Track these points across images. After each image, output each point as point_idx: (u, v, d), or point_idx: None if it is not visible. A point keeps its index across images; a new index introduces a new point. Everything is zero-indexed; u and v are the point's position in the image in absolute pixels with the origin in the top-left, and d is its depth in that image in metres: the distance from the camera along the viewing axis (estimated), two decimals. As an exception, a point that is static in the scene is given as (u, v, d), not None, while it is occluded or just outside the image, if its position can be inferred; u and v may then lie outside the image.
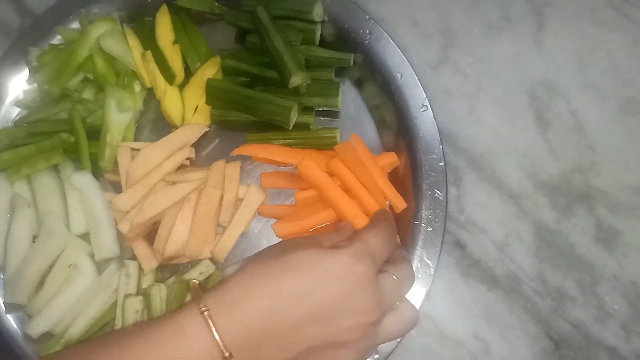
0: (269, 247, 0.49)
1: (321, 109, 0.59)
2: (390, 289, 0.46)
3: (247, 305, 0.42)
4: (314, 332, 0.42)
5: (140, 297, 0.55)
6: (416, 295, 0.53)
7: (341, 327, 0.43)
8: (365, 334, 0.44)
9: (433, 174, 0.56)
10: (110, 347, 0.42)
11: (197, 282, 0.47)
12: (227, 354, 0.40)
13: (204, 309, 0.41)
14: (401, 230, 0.56)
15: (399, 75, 0.58)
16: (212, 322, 0.41)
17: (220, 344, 0.40)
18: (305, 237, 0.49)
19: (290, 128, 0.57)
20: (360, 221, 0.54)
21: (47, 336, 0.56)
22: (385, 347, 0.53)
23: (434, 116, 0.56)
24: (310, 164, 0.55)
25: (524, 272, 0.56)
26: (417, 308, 0.52)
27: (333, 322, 0.42)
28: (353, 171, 0.55)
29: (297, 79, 0.55)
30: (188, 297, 0.55)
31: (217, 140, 0.62)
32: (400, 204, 0.56)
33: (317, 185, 0.56)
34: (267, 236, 0.59)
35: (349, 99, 0.61)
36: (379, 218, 0.53)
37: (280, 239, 0.58)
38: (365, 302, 0.43)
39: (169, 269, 0.58)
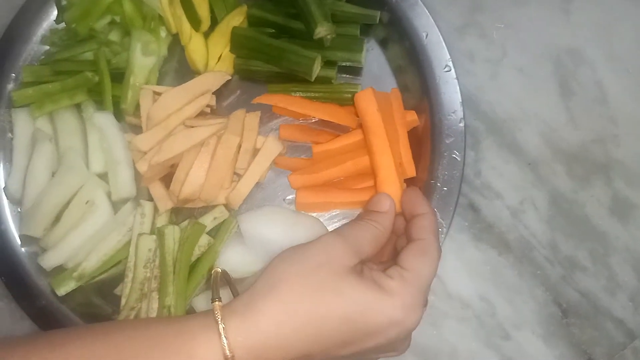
0: (310, 257, 0.42)
1: (344, 64, 0.59)
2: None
3: (281, 352, 0.39)
4: None
5: (154, 237, 0.56)
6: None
7: (367, 357, 0.42)
8: (384, 357, 0.44)
9: (452, 135, 0.56)
10: (109, 333, 0.40)
11: (220, 271, 0.43)
12: None
13: (227, 350, 0.38)
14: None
15: (424, 34, 0.57)
16: (227, 340, 0.38)
17: None
18: (346, 244, 0.43)
19: (312, 80, 0.57)
20: (390, 184, 0.53)
21: (60, 270, 0.57)
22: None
23: (456, 77, 0.56)
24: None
25: (536, 239, 0.56)
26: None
27: (363, 356, 0.42)
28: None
29: (322, 30, 0.55)
30: (201, 240, 0.56)
31: (238, 92, 0.62)
32: (410, 170, 0.56)
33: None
34: (283, 188, 0.59)
35: (372, 58, 0.61)
36: (429, 231, 0.45)
37: (295, 190, 0.58)
38: (402, 345, 0.43)
39: (183, 213, 0.59)
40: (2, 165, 0.60)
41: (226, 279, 0.45)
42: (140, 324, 0.43)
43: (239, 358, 0.38)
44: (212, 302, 0.40)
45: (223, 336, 0.38)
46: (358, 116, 0.56)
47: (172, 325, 0.40)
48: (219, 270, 0.43)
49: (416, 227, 0.45)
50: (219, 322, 0.38)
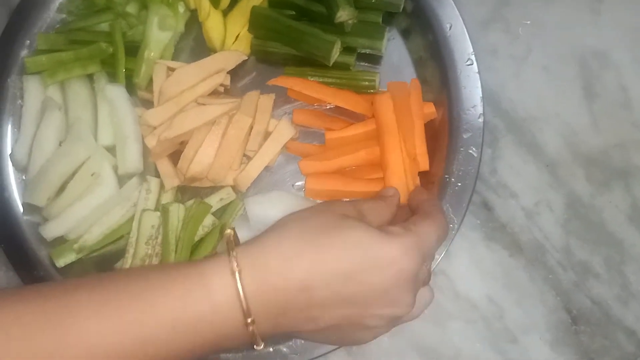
0: (313, 209, 0.45)
1: (363, 52, 0.58)
2: (424, 280, 0.44)
3: (282, 272, 0.39)
4: (343, 312, 0.40)
5: (158, 213, 0.54)
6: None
7: (371, 314, 0.41)
8: (390, 323, 0.42)
9: (470, 130, 0.54)
10: (121, 279, 0.40)
11: (233, 233, 0.43)
12: (249, 320, 0.38)
13: (235, 264, 0.39)
14: (429, 182, 0.55)
15: (448, 26, 0.56)
16: (241, 280, 0.38)
17: (244, 306, 0.38)
18: (350, 203, 0.45)
19: (330, 65, 0.56)
20: (397, 180, 0.53)
21: (61, 241, 0.56)
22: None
23: (478, 72, 0.55)
24: (388, 100, 0.55)
25: (550, 243, 0.55)
26: (435, 265, 0.52)
27: (365, 309, 0.40)
28: (396, 114, 0.54)
29: (344, 14, 0.54)
30: (206, 221, 0.55)
31: (254, 73, 0.61)
32: (424, 164, 0.55)
33: (381, 122, 0.55)
34: (292, 174, 0.58)
35: (393, 47, 0.60)
36: (437, 208, 0.48)
37: (305, 177, 0.57)
38: (402, 297, 0.41)
39: (189, 192, 0.57)
40: (10, 131, 0.59)
41: (235, 243, 0.44)
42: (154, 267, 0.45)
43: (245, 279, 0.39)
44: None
45: (234, 263, 0.39)
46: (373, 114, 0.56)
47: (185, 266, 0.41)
48: (231, 231, 0.43)
49: (422, 206, 0.48)
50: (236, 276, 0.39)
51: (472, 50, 0.55)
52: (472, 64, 0.55)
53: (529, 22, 0.59)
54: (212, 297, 0.38)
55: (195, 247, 0.55)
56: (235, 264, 0.39)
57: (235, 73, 0.59)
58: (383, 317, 0.41)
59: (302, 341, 0.52)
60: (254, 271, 0.39)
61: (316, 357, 0.52)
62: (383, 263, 0.40)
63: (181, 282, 0.39)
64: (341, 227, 0.41)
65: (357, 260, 0.40)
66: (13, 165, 0.59)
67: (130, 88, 0.59)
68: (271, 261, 0.39)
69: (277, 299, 0.39)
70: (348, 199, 0.46)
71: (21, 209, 0.58)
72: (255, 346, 0.40)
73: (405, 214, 0.49)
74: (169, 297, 0.38)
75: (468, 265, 0.55)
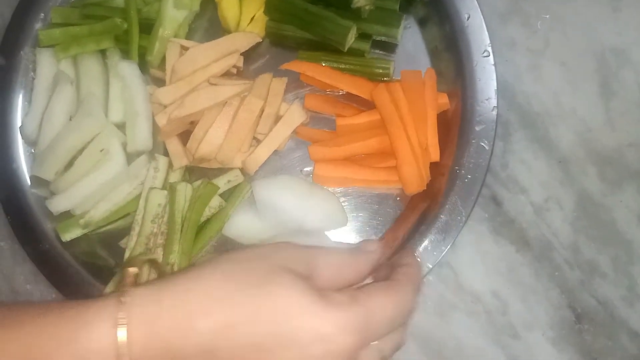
0: (254, 252, 0.37)
1: (379, 39, 0.57)
2: None
3: (181, 330, 0.33)
4: None
5: (165, 192, 0.54)
6: (442, 242, 0.52)
7: None
8: None
9: (483, 122, 0.54)
10: None
11: (135, 272, 0.37)
12: None
13: (120, 314, 0.33)
14: (439, 174, 0.54)
15: (466, 16, 0.55)
16: (130, 344, 0.32)
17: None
18: (305, 252, 0.37)
19: (345, 50, 0.55)
20: (408, 167, 0.53)
21: (67, 215, 0.56)
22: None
23: (494, 64, 0.54)
24: (384, 91, 0.54)
25: (557, 240, 0.54)
26: (435, 261, 0.51)
27: None
28: (408, 103, 0.54)
29: (361, 0, 0.53)
30: (213, 202, 0.55)
31: (267, 56, 0.60)
32: (435, 155, 0.55)
33: (382, 114, 0.54)
34: (301, 159, 0.58)
35: (408, 36, 0.59)
36: (411, 279, 0.38)
37: (314, 162, 0.56)
38: None
39: (196, 173, 0.57)
40: (21, 104, 0.59)
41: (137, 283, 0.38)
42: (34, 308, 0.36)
43: (137, 342, 0.33)
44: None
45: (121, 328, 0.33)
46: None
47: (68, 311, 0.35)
48: (134, 269, 0.37)
49: (395, 272, 0.39)
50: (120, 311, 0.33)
51: (489, 42, 0.55)
52: (488, 56, 0.54)
53: (548, 16, 0.58)
54: (87, 346, 0.33)
55: (201, 227, 0.55)
56: (120, 314, 0.33)
57: (248, 55, 0.58)
58: None
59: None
60: (147, 323, 0.33)
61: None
62: (307, 339, 0.33)
63: (55, 323, 0.33)
64: (272, 284, 0.34)
65: (275, 331, 0.33)
66: (22, 138, 0.59)
67: (143, 65, 0.58)
68: (173, 314, 0.33)
69: (170, 359, 0.33)
70: (304, 245, 0.38)
71: (29, 182, 0.58)
72: None
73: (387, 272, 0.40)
74: (38, 336, 0.33)
75: (473, 258, 0.55)
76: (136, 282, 0.36)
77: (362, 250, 0.39)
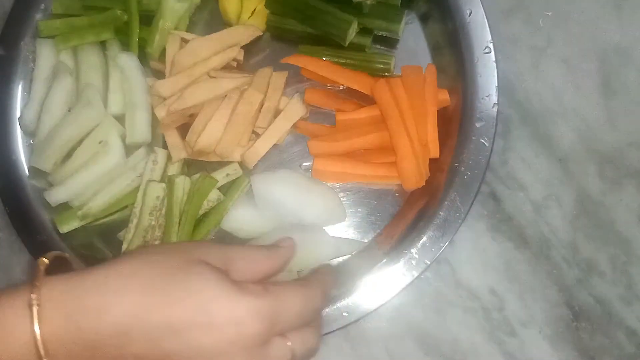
0: (171, 247, 0.39)
1: (380, 34, 0.57)
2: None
3: (96, 311, 0.33)
4: None
5: (164, 185, 0.54)
6: (440, 238, 0.52)
7: None
8: None
9: (483, 119, 0.53)
10: None
11: (47, 262, 0.37)
12: (42, 353, 0.33)
13: (34, 300, 0.33)
14: (438, 170, 0.54)
15: (468, 12, 0.55)
16: (40, 321, 0.33)
17: (39, 345, 0.33)
18: (219, 248, 0.39)
19: (346, 45, 0.55)
20: (407, 163, 0.52)
21: (65, 207, 0.56)
22: (395, 285, 0.51)
23: (495, 61, 0.54)
24: (384, 86, 0.54)
25: (556, 238, 0.54)
26: (434, 257, 0.51)
27: None
28: (409, 98, 0.53)
29: (363, -7, 0.53)
30: (211, 195, 0.55)
31: (267, 50, 0.60)
32: (435, 151, 0.54)
33: (382, 109, 0.54)
34: (300, 154, 0.58)
35: (409, 31, 0.59)
36: (320, 279, 0.41)
37: (313, 157, 0.56)
38: None
39: (195, 166, 0.57)
40: (20, 94, 0.59)
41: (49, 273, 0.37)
42: None
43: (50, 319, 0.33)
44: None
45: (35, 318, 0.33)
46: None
47: None
48: (46, 260, 0.37)
49: (311, 275, 0.42)
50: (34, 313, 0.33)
51: (490, 38, 0.54)
52: (489, 52, 0.54)
53: (550, 13, 0.58)
54: (3, 334, 0.33)
55: (199, 221, 0.55)
56: (33, 295, 0.33)
57: (249, 49, 0.58)
58: None
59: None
60: (60, 306, 0.33)
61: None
62: (221, 322, 0.34)
63: None
64: (188, 272, 0.35)
65: (190, 313, 0.34)
66: (21, 128, 0.58)
67: (143, 58, 0.58)
68: (87, 297, 0.34)
69: (84, 340, 0.33)
70: (219, 245, 0.40)
71: (27, 173, 0.58)
72: None
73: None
74: None
75: (471, 254, 0.55)
76: (45, 270, 0.36)
77: (277, 245, 0.42)
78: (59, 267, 0.38)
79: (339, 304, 0.51)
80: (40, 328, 0.33)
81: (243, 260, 0.38)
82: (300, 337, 0.38)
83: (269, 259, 0.40)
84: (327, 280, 0.42)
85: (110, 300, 0.34)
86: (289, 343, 0.37)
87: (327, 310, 0.51)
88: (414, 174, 0.53)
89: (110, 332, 0.33)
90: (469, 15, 0.55)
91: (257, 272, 0.39)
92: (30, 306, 0.33)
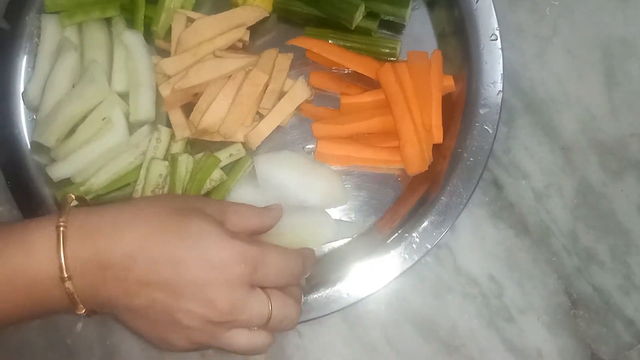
0: (175, 196, 0.47)
1: (386, 19, 0.57)
2: (257, 309, 0.41)
3: (110, 237, 0.39)
4: (157, 295, 0.40)
5: (166, 163, 0.54)
6: (441, 224, 0.52)
7: (184, 308, 0.40)
8: (204, 328, 0.41)
9: (487, 106, 0.54)
10: None
11: (73, 197, 0.43)
12: (65, 275, 0.38)
13: (62, 224, 0.39)
14: (441, 156, 0.54)
15: (475, -1, 0.55)
16: (64, 241, 0.39)
17: (62, 260, 0.38)
18: (217, 202, 0.46)
19: (352, 28, 0.55)
20: (411, 147, 0.53)
21: (67, 183, 0.56)
22: (395, 269, 0.51)
23: (501, 48, 0.54)
24: (389, 70, 0.54)
25: (557, 226, 0.54)
26: (434, 241, 0.51)
27: (179, 298, 0.40)
28: (414, 84, 0.53)
29: (371, -23, 0.53)
30: (214, 175, 0.55)
31: (273, 32, 0.60)
32: (438, 137, 0.55)
33: (387, 93, 0.54)
34: (304, 136, 0.58)
35: (416, 17, 0.59)
36: (301, 251, 0.47)
37: (317, 140, 0.56)
38: (220, 299, 0.40)
39: (198, 145, 0.57)
40: (24, 69, 0.59)
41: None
42: None
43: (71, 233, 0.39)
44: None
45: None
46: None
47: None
48: (72, 195, 0.43)
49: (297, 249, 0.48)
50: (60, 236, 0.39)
51: (497, 25, 0.54)
52: (496, 40, 0.54)
53: (557, 3, 0.58)
54: (31, 249, 0.39)
55: (201, 200, 0.55)
56: (62, 220, 0.39)
57: (254, 29, 0.58)
58: (195, 317, 0.40)
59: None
60: (82, 230, 0.39)
61: (314, 318, 0.52)
62: (211, 261, 0.40)
63: (4, 234, 0.39)
64: (188, 216, 0.41)
65: (186, 252, 0.40)
66: (25, 103, 0.58)
67: (148, 36, 0.58)
68: (104, 225, 0.40)
69: (98, 260, 0.39)
70: (216, 199, 0.47)
71: (29, 148, 0.58)
72: (77, 311, 0.40)
73: None
74: None
75: (472, 241, 0.55)
76: (69, 203, 0.42)
77: (267, 207, 0.48)
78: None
79: (339, 286, 0.52)
80: (64, 246, 0.39)
81: (236, 214, 0.45)
82: (281, 300, 0.43)
83: (259, 216, 0.47)
84: (307, 255, 0.48)
85: (122, 230, 0.40)
86: (269, 300, 0.42)
87: (324, 293, 0.51)
88: (417, 159, 0.53)
89: (120, 255, 0.39)
90: (476, 2, 0.55)
91: (248, 226, 0.45)
92: (57, 228, 0.39)
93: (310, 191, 0.55)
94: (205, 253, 0.40)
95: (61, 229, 0.39)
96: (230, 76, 0.55)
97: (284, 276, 0.43)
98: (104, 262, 0.39)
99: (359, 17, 0.55)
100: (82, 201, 0.47)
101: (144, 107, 0.56)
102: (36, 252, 0.39)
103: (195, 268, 0.40)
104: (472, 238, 0.55)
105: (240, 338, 0.42)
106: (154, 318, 0.41)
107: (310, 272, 0.48)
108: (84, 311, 0.41)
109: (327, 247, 0.55)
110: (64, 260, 0.38)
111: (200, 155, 0.55)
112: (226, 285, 0.40)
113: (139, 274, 0.39)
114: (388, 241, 0.53)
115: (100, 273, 0.39)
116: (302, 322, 0.51)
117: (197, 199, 0.44)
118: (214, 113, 0.54)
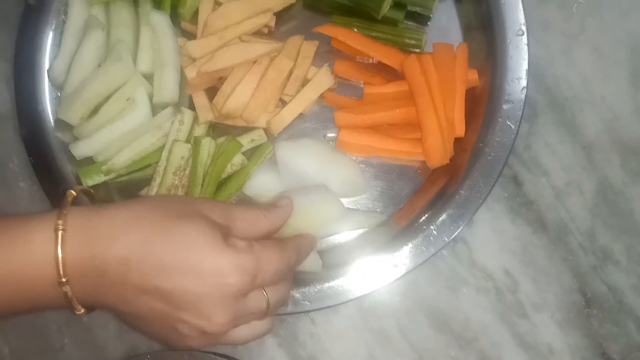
0: (177, 198, 0.47)
1: (413, 10, 0.57)
2: (256, 308, 0.42)
3: (107, 241, 0.39)
4: (154, 305, 0.39)
5: (189, 145, 0.55)
6: (459, 217, 0.52)
7: (181, 320, 0.40)
8: (200, 338, 0.41)
9: (511, 101, 0.53)
10: None
11: (75, 193, 0.42)
12: (63, 280, 0.38)
13: (60, 226, 0.39)
14: (462, 149, 0.54)
15: (503, -7, 0.55)
16: (63, 244, 0.38)
17: (60, 265, 0.38)
18: (223, 205, 0.44)
19: (379, 18, 0.55)
20: (433, 139, 0.53)
21: (89, 161, 0.57)
22: (412, 260, 0.52)
23: (527, 43, 0.54)
24: (415, 62, 0.54)
25: (574, 224, 0.54)
26: (452, 235, 0.52)
27: (175, 311, 0.39)
28: (438, 76, 0.53)
29: (400, -33, 0.53)
30: (235, 159, 0.55)
31: (299, 19, 0.60)
32: (460, 130, 0.55)
33: (411, 84, 0.54)
34: (325, 124, 0.58)
35: (442, 9, 0.58)
36: (297, 241, 0.47)
37: (338, 129, 0.56)
38: (215, 312, 0.39)
39: (220, 130, 0.57)
40: (49, 46, 0.59)
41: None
42: None
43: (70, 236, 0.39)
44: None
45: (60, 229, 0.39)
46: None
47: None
48: (73, 192, 0.42)
49: (292, 238, 0.48)
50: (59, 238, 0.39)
51: (524, 20, 0.54)
52: (522, 35, 0.54)
53: (584, 0, 0.58)
54: (31, 250, 0.38)
55: (222, 183, 0.55)
56: (60, 222, 0.39)
57: (280, 16, 0.58)
58: (192, 328, 0.40)
59: (315, 289, 0.53)
60: (80, 233, 0.39)
61: (327, 307, 0.52)
62: (206, 272, 0.39)
63: (3, 232, 0.39)
64: (186, 222, 0.40)
65: (180, 260, 0.39)
66: (50, 80, 0.58)
67: (175, 18, 0.58)
68: (102, 228, 0.39)
69: (94, 265, 0.39)
70: (225, 203, 0.46)
71: (53, 125, 0.58)
72: (75, 311, 0.40)
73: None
74: None
75: (489, 236, 0.55)
76: (72, 202, 0.41)
77: (275, 205, 0.47)
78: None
79: (355, 275, 0.52)
80: (62, 250, 0.38)
81: (244, 221, 0.44)
82: (275, 289, 0.43)
83: (267, 219, 0.45)
84: (303, 245, 0.48)
85: (118, 233, 0.39)
86: (265, 294, 0.42)
87: (339, 282, 0.52)
88: (439, 152, 0.53)
89: (115, 260, 0.39)
90: (505, -3, 0.55)
91: (257, 232, 0.44)
92: (56, 230, 0.38)
93: (329, 179, 0.55)
94: (200, 264, 0.39)
95: (59, 232, 0.38)
96: (255, 61, 0.56)
97: (281, 275, 0.43)
98: (100, 267, 0.39)
99: (386, 7, 0.55)
100: (87, 193, 0.46)
101: (168, 88, 0.56)
102: (35, 254, 0.38)
103: (190, 281, 0.39)
104: (489, 233, 0.55)
105: (242, 333, 0.43)
106: (154, 323, 0.41)
107: (305, 259, 0.49)
108: (82, 311, 0.40)
109: (343, 237, 0.56)
110: (62, 264, 0.38)
111: (222, 139, 0.56)
112: (223, 300, 0.39)
113: (135, 282, 0.39)
114: (405, 233, 0.53)
115: (98, 278, 0.39)
116: (316, 309, 0.52)
117: (204, 203, 0.43)
118: (238, 98, 0.55)
